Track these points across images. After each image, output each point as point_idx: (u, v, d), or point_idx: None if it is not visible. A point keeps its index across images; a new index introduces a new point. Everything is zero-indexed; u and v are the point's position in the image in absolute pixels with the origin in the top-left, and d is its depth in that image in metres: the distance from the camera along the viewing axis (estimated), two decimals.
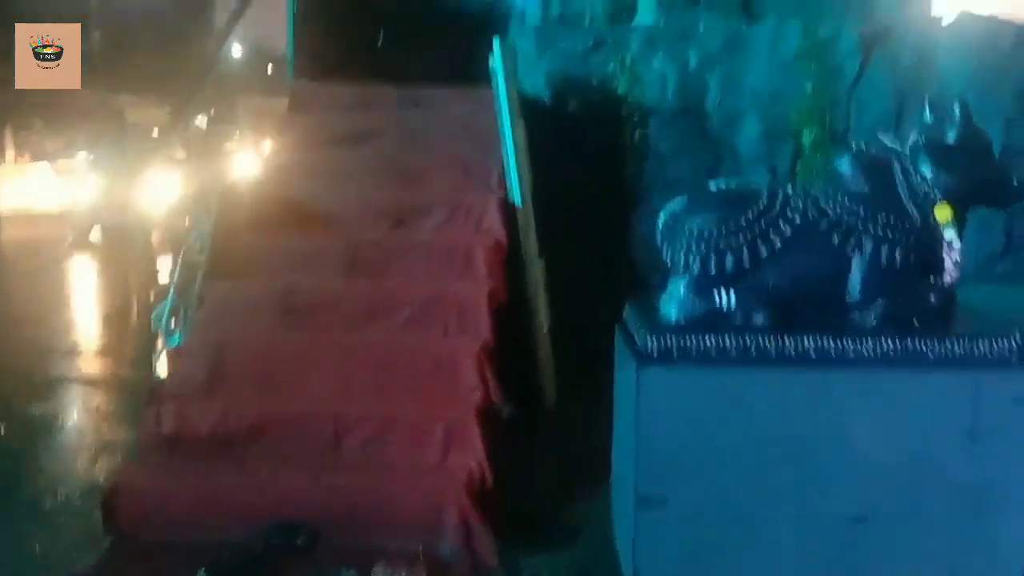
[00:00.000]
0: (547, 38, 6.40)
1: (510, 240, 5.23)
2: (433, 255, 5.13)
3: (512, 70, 5.48)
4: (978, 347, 3.29)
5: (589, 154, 6.22)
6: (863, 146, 3.50)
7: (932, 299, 3.40)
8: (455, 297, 4.82)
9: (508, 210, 5.37)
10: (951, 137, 3.33)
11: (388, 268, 5.08)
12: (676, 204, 3.50)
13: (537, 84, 6.30)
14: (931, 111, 3.46)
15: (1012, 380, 3.28)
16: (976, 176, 3.32)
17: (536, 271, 5.21)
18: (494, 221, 5.30)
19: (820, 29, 6.22)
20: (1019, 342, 3.29)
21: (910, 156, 3.39)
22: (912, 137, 3.44)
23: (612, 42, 6.34)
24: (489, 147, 5.67)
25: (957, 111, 3.31)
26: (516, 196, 5.35)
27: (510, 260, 5.20)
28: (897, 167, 3.41)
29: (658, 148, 6.25)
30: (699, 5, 7.43)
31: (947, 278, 3.39)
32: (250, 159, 17.35)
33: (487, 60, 5.77)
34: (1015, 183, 3.37)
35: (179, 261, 5.78)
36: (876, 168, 3.44)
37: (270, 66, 30.42)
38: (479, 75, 5.99)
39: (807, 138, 6.16)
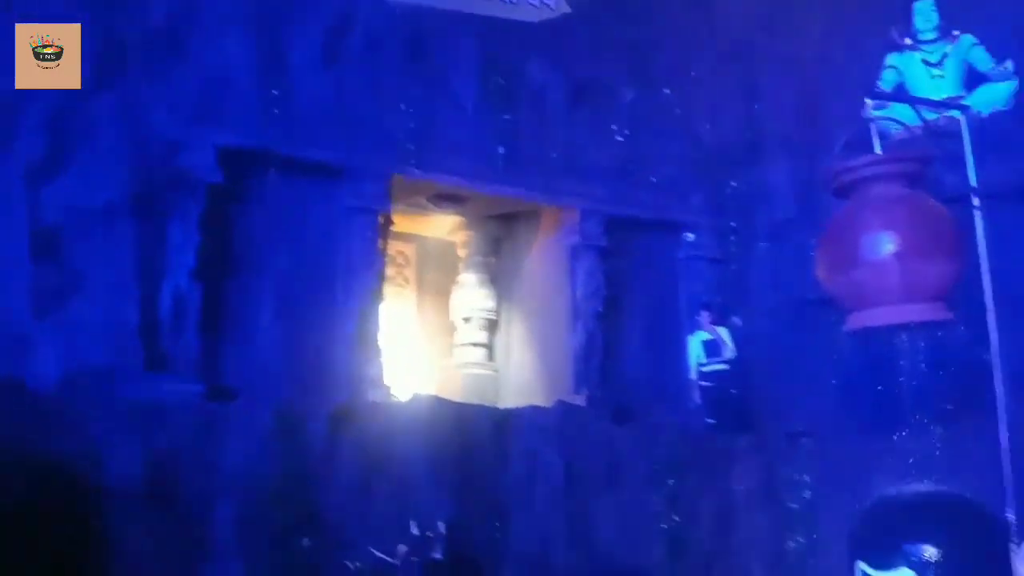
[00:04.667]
0: None
1: None
2: None
3: None
4: None
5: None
6: (358, 564, 3.56)
7: None
8: None
9: None
10: (439, 552, 3.58)
11: None
12: None
13: None
14: (417, 527, 3.71)
15: None
16: None
17: None
18: None
19: (291, 407, 6.47)
20: None
21: (403, 571, 3.54)
22: (402, 550, 3.61)
23: None
24: None
25: (443, 528, 3.60)
26: None
27: None
28: None
29: (122, 541, 5.61)
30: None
31: None
32: None
33: None
34: None
35: None
36: None
37: None
38: None
39: (283, 519, 6.12)
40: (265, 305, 8.25)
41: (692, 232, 10.26)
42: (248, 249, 8.36)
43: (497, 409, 7.68)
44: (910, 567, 4.22)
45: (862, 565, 4.41)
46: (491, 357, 10.92)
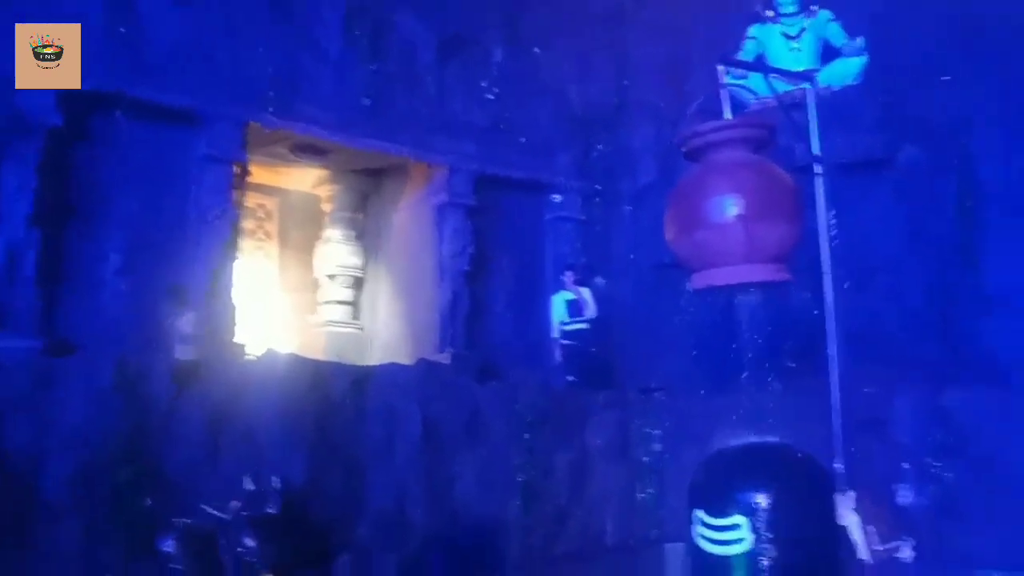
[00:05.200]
0: None
1: None
2: None
3: None
4: None
5: None
6: (186, 521, 3.43)
7: None
8: None
9: None
10: (273, 507, 3.49)
11: None
12: None
13: None
14: (253, 481, 3.60)
15: None
16: (296, 543, 3.50)
17: None
18: None
19: (133, 362, 6.16)
20: None
21: (234, 527, 3.43)
22: (234, 506, 3.50)
23: None
24: None
25: (277, 483, 3.51)
26: None
27: None
28: (222, 539, 3.40)
29: None
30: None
31: None
32: None
33: None
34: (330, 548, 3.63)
35: None
36: (200, 541, 3.38)
37: None
38: None
39: (123, 477, 5.84)
40: (110, 257, 7.80)
41: (559, 193, 10.38)
42: (93, 197, 7.85)
43: (356, 366, 7.57)
44: (742, 514, 4.43)
45: (699, 513, 4.61)
46: (356, 315, 10.77)
